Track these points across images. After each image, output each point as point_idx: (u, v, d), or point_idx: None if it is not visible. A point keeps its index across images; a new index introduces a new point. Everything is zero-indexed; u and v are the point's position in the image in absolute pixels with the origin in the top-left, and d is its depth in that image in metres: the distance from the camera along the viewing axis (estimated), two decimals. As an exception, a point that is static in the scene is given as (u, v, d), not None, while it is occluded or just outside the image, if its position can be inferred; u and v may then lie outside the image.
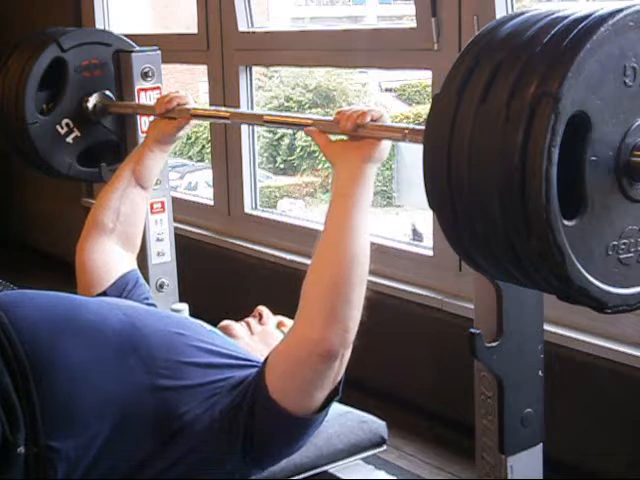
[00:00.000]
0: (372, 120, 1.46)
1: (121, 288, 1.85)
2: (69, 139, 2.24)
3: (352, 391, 2.49)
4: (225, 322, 1.83)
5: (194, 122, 1.99)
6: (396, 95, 4.60)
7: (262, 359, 1.56)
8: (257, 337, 1.79)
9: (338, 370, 1.46)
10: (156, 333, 1.57)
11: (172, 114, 1.96)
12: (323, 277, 1.44)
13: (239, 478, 1.53)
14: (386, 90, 4.70)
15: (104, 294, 1.83)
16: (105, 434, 1.45)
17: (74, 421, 1.44)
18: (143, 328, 1.57)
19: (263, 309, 1.85)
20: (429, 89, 3.11)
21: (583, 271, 1.06)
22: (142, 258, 2.28)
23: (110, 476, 1.47)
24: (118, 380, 1.49)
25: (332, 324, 1.41)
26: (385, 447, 1.80)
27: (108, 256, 1.91)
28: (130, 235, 1.97)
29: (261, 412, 1.48)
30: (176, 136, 2.00)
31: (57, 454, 1.41)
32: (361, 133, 1.47)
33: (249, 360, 1.60)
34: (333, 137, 1.55)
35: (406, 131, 1.40)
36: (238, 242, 3.31)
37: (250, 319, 1.83)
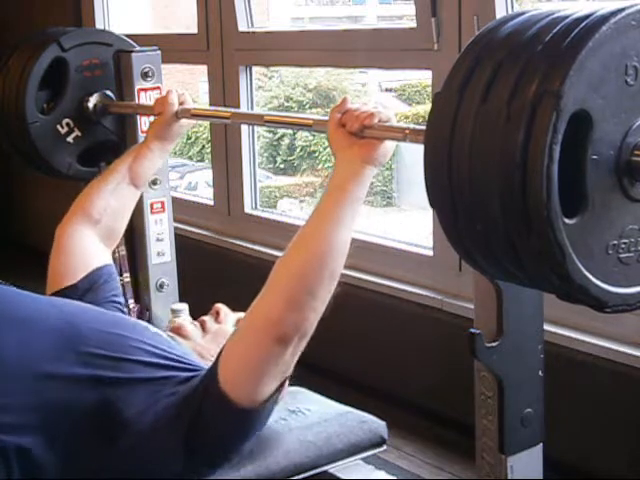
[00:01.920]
0: (379, 122, 1.44)
1: (92, 282, 1.84)
2: (69, 139, 2.24)
3: (352, 391, 2.50)
4: (178, 322, 1.83)
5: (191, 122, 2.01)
6: (396, 95, 4.60)
7: (209, 364, 1.54)
8: (210, 336, 1.78)
9: (289, 360, 1.44)
10: (95, 332, 1.55)
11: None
12: (294, 263, 1.44)
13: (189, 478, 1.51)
14: (386, 90, 4.70)
15: (74, 287, 1.82)
16: (42, 428, 1.44)
17: (7, 414, 1.43)
18: (81, 326, 1.55)
19: (221, 307, 1.84)
20: (429, 89, 3.11)
21: (583, 270, 1.06)
22: (142, 258, 2.29)
23: (53, 474, 1.46)
24: (54, 374, 1.47)
25: (292, 309, 1.41)
26: (385, 447, 1.80)
27: (86, 246, 1.90)
28: (112, 230, 1.97)
29: (208, 405, 1.46)
30: (176, 131, 2.01)
31: (4, 449, 1.41)
32: (362, 133, 1.46)
33: (191, 364, 1.58)
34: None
35: (407, 131, 1.40)
36: (238, 242, 3.31)
37: (206, 317, 1.82)
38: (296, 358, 1.46)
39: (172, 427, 1.47)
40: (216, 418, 1.47)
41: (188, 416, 1.46)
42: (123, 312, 1.87)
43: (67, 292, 1.81)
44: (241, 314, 1.79)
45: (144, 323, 1.75)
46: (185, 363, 1.58)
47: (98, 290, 1.84)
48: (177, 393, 1.50)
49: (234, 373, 1.46)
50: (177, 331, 1.78)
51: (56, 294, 1.82)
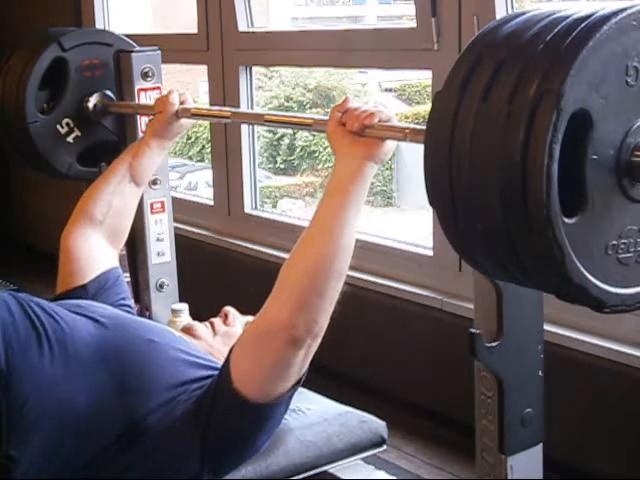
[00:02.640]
0: (380, 121, 1.44)
1: (101, 284, 1.85)
2: (69, 139, 2.24)
3: (352, 391, 2.50)
4: (189, 322, 1.83)
5: (191, 121, 2.01)
6: (396, 95, 4.60)
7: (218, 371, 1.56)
8: (219, 338, 1.79)
9: (303, 361, 1.46)
10: (127, 343, 1.58)
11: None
12: (302, 264, 1.44)
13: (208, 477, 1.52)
14: (386, 90, 4.70)
15: (84, 288, 1.83)
16: (69, 445, 1.46)
17: (38, 432, 1.45)
18: (114, 339, 1.58)
19: (229, 309, 1.85)
20: (429, 89, 3.11)
21: (582, 269, 1.06)
22: (142, 258, 2.29)
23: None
24: (86, 393, 1.49)
25: (302, 311, 1.41)
26: (385, 447, 1.80)
27: (93, 248, 1.91)
28: (117, 230, 1.97)
29: (222, 404, 1.48)
30: (176, 131, 2.00)
31: (16, 464, 1.42)
32: (362, 132, 1.46)
33: (214, 368, 1.60)
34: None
35: (407, 131, 1.40)
36: (238, 242, 3.31)
37: (215, 319, 1.83)
38: (310, 358, 1.47)
39: (188, 428, 1.48)
40: (232, 416, 1.48)
41: (204, 416, 1.48)
42: (132, 314, 1.87)
43: (77, 292, 1.82)
44: (249, 317, 1.80)
45: (166, 326, 1.76)
46: (207, 366, 1.60)
47: (106, 293, 1.84)
48: (193, 397, 1.51)
49: (247, 374, 1.47)
50: (188, 332, 1.78)
51: (66, 294, 1.83)
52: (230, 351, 1.51)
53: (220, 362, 1.59)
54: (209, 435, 1.47)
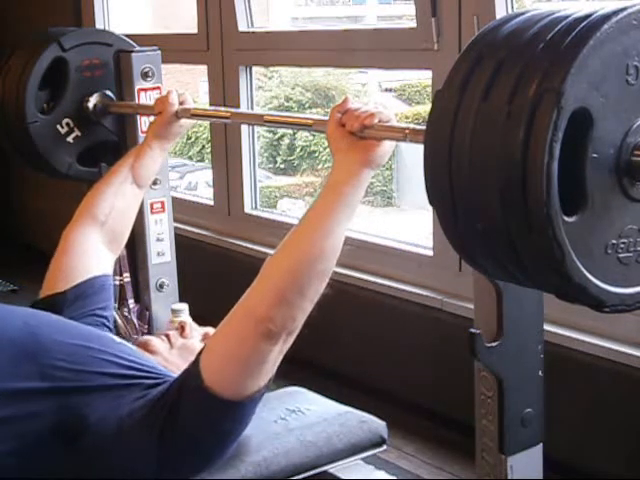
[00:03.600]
0: (379, 122, 1.44)
1: (80, 292, 1.83)
2: (69, 139, 2.24)
3: (352, 391, 2.50)
4: (145, 337, 1.83)
5: (191, 122, 2.01)
6: (396, 95, 4.60)
7: (178, 374, 1.54)
8: (176, 351, 1.77)
9: (275, 359, 1.45)
10: (58, 343, 1.56)
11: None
12: (285, 260, 1.45)
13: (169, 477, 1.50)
14: (386, 90, 4.70)
15: (63, 295, 1.82)
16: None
17: None
18: (44, 338, 1.56)
19: (185, 322, 1.84)
20: (429, 89, 3.11)
21: (582, 269, 1.06)
22: (142, 258, 2.29)
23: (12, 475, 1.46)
24: (10, 389, 1.47)
25: (280, 307, 1.42)
26: (385, 447, 1.80)
27: (90, 249, 1.90)
28: (117, 233, 1.97)
29: (189, 402, 1.46)
30: (176, 131, 2.01)
31: None
32: (362, 133, 1.46)
33: (157, 372, 1.58)
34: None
35: (407, 131, 1.40)
36: (238, 242, 3.31)
37: (171, 332, 1.82)
38: (280, 358, 1.47)
39: (142, 428, 1.47)
40: (201, 414, 1.47)
41: (162, 416, 1.46)
42: (107, 326, 1.85)
43: (56, 299, 1.81)
44: (208, 328, 1.79)
45: (110, 335, 1.75)
46: (150, 372, 1.58)
47: (85, 301, 1.83)
48: (145, 397, 1.50)
49: (219, 371, 1.46)
50: (144, 346, 1.76)
51: (44, 300, 1.82)
52: (202, 349, 1.50)
53: (171, 374, 1.57)
54: (168, 434, 1.46)
